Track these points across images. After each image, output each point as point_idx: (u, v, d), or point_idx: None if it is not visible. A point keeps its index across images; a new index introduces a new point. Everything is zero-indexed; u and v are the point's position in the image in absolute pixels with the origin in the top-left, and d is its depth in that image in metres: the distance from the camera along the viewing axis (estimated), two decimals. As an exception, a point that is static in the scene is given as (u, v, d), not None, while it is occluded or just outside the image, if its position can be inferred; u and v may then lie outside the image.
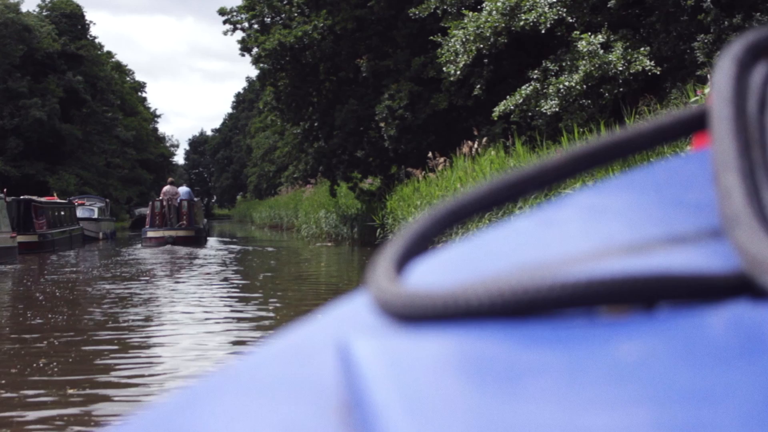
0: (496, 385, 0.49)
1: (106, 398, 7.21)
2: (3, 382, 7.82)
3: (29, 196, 36.67)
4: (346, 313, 0.73)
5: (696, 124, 0.74)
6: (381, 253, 0.68)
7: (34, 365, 8.58)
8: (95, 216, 48.45)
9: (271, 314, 12.50)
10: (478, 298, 0.57)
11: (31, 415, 6.58)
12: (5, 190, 34.47)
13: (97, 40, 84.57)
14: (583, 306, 0.57)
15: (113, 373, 8.21)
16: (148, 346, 10.05)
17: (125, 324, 11.71)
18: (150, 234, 35.16)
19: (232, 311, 13.04)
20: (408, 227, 0.71)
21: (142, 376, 8.01)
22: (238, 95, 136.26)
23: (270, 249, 33.94)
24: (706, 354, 0.52)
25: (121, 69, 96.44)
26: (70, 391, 7.39)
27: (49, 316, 12.83)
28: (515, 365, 0.52)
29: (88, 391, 7.39)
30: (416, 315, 0.59)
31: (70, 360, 8.96)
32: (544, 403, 0.46)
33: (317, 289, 16.94)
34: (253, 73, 34.23)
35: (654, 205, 0.89)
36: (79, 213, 44.90)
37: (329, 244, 35.12)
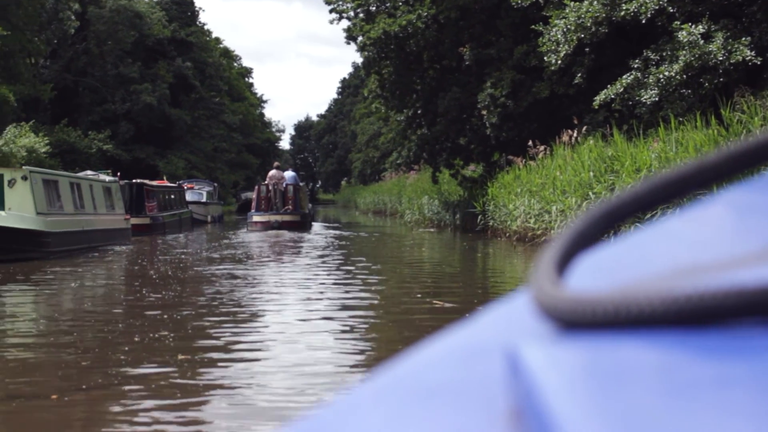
0: (680, 398, 0.47)
1: (214, 364, 7.75)
2: (128, 348, 8.49)
3: (141, 180, 37.65)
4: (509, 317, 0.72)
5: None
6: (541, 254, 0.68)
7: (151, 335, 9.21)
8: (204, 200, 49.37)
9: (376, 297, 12.79)
10: (651, 305, 0.55)
11: (147, 377, 7.17)
12: (119, 174, 35.59)
13: (206, 27, 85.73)
14: (763, 315, 0.54)
15: (221, 344, 8.75)
16: (255, 322, 10.52)
17: (233, 301, 12.22)
18: (255, 218, 35.27)
19: (336, 293, 13.38)
20: (567, 228, 0.70)
21: (249, 348, 8.52)
22: (343, 81, 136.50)
23: (374, 234, 34.06)
24: None
25: (228, 55, 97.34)
26: (181, 358, 7.97)
27: (163, 293, 13.50)
28: (698, 377, 0.49)
29: (197, 358, 7.95)
30: (584, 321, 0.58)
31: (182, 331, 9.56)
32: (728, 417, 0.44)
33: (421, 274, 17.24)
34: (359, 59, 34.67)
35: None
36: (189, 196, 45.76)
37: (432, 229, 35.22)
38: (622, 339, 0.55)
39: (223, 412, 6.16)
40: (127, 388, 6.91)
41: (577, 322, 0.57)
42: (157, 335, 9.32)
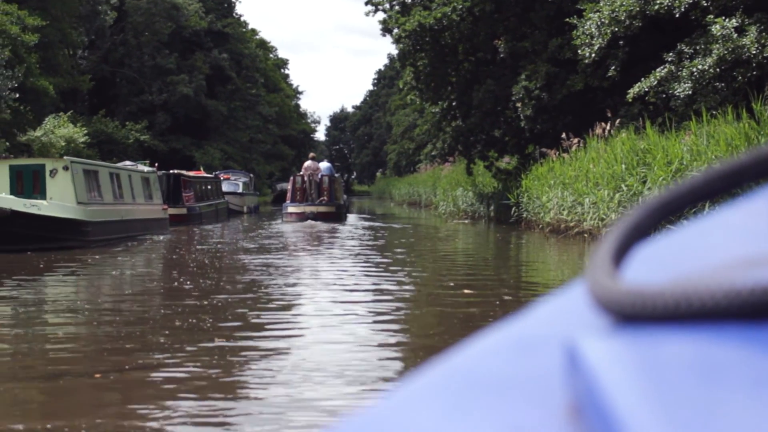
0: (748, 395, 0.46)
1: (249, 348, 8.01)
2: (168, 333, 8.79)
3: (178, 171, 37.98)
4: (565, 309, 0.71)
5: None
6: (597, 246, 0.67)
7: (189, 320, 9.50)
8: (240, 190, 49.58)
9: (410, 287, 13.04)
10: (713, 299, 0.54)
11: (185, 359, 7.45)
12: (156, 164, 35.96)
13: (242, 18, 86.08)
14: None
15: (257, 329, 9.00)
16: (290, 308, 10.76)
17: (268, 289, 12.51)
18: (291, 209, 35.00)
19: (371, 282, 13.58)
20: (623, 220, 0.69)
21: (286, 334, 8.77)
22: (379, 72, 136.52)
23: (408, 225, 34.13)
24: None
25: (264, 46, 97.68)
26: (218, 341, 8.25)
27: (200, 280, 13.80)
28: (765, 373, 0.48)
29: (232, 343, 8.21)
30: (644, 315, 0.57)
31: (219, 317, 9.84)
32: None
33: (454, 264, 17.44)
34: (395, 50, 34.71)
35: None
36: (225, 187, 45.95)
37: (466, 221, 35.26)
38: (684, 333, 0.54)
39: (259, 393, 6.41)
40: (165, 368, 7.20)
41: (636, 315, 0.57)
42: (194, 320, 9.61)
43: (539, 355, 0.61)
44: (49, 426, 5.44)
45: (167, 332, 8.91)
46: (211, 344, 8.17)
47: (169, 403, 6.06)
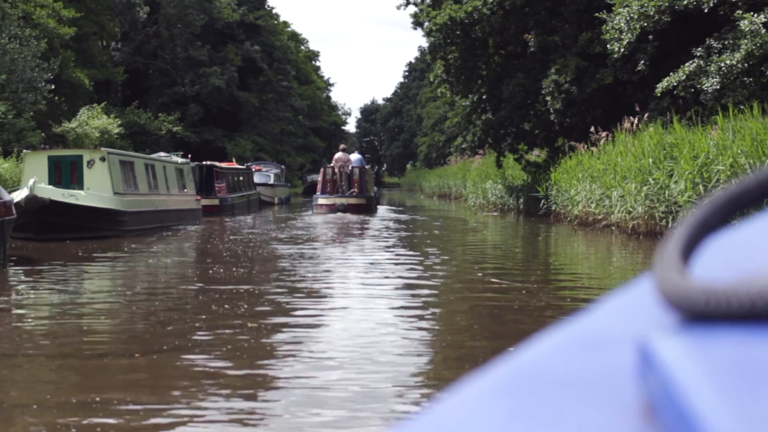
0: None
1: (280, 331, 8.33)
2: (202, 317, 9.14)
3: (211, 162, 38.37)
4: (633, 307, 0.70)
5: None
6: (664, 242, 0.66)
7: (223, 306, 9.85)
8: (271, 182, 49.87)
9: (439, 277, 13.26)
10: None
11: (219, 341, 7.78)
12: (189, 155, 36.38)
13: (274, 11, 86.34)
14: None
15: (288, 314, 9.29)
16: (320, 296, 11.01)
17: (299, 277, 12.80)
18: (321, 201, 34.83)
19: (400, 272, 13.78)
20: (690, 215, 0.67)
21: (316, 322, 9.07)
22: (409, 64, 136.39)
23: (438, 217, 34.22)
24: None
25: (296, 38, 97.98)
26: (250, 325, 8.57)
27: (233, 269, 14.16)
28: None
29: (264, 326, 8.52)
30: (717, 314, 0.55)
31: (251, 303, 10.17)
32: None
33: (483, 255, 17.70)
34: (425, 43, 34.81)
35: None
36: (256, 178, 46.20)
37: (495, 213, 35.39)
38: (759, 332, 0.53)
39: (290, 377, 6.70)
40: (200, 350, 7.55)
41: (709, 314, 0.56)
42: (228, 306, 9.97)
43: (608, 354, 0.61)
44: (84, 398, 5.79)
45: (203, 317, 9.28)
46: (244, 328, 8.48)
47: (202, 382, 6.39)
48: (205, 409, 5.66)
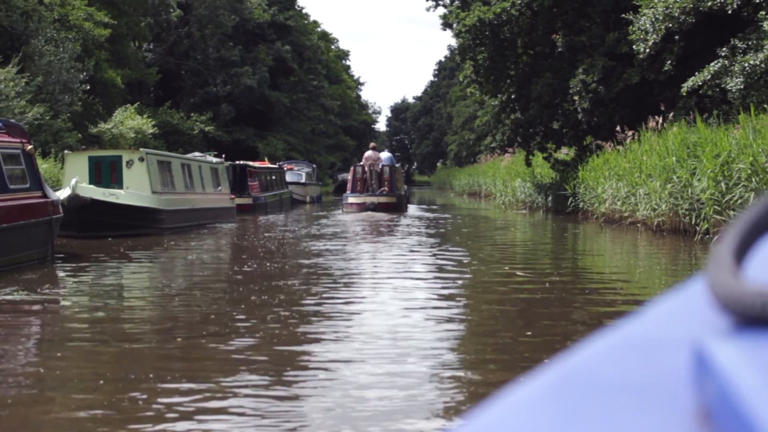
0: None
1: (312, 322, 8.77)
2: (240, 306, 9.63)
3: (244, 161, 38.89)
4: (685, 310, 0.69)
5: None
6: (717, 244, 0.65)
7: (259, 297, 10.36)
8: (303, 180, 50.38)
9: (468, 272, 13.55)
10: None
11: (255, 329, 8.24)
12: (224, 155, 36.97)
13: (304, 11, 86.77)
14: None
15: (320, 306, 9.72)
16: (352, 290, 11.39)
17: (331, 273, 13.21)
18: (351, 200, 34.73)
19: (431, 270, 14.14)
20: (742, 216, 0.66)
21: (349, 314, 9.47)
22: (439, 63, 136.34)
23: (468, 215, 34.43)
24: None
25: (326, 38, 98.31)
26: (284, 314, 9.01)
27: (268, 264, 14.66)
28: None
29: (297, 316, 8.95)
30: None
31: (285, 295, 10.64)
32: None
33: (512, 251, 18.01)
34: (455, 42, 34.87)
35: None
36: (288, 177, 46.69)
37: (524, 211, 35.65)
38: None
39: (324, 367, 7.12)
40: (237, 335, 8.07)
41: (764, 318, 0.55)
42: (263, 297, 10.48)
43: (662, 358, 0.60)
44: (127, 377, 6.32)
45: (242, 306, 9.80)
46: (277, 318, 9.00)
47: (235, 364, 6.91)
48: (244, 387, 6.09)
